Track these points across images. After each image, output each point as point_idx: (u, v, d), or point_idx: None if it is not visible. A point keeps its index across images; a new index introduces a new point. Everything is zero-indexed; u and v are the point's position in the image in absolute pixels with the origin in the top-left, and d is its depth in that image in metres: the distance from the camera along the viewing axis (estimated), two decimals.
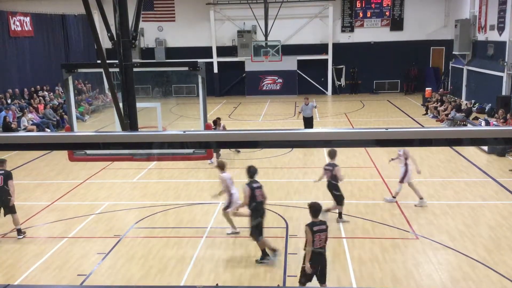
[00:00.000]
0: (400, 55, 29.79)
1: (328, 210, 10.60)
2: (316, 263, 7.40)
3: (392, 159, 12.15)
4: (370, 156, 15.92)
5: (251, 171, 9.36)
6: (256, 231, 8.95)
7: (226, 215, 10.20)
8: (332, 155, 10.79)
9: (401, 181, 11.61)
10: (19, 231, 10.45)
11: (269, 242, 9.15)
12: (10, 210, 10.35)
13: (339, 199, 10.69)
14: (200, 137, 2.19)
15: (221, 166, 10.28)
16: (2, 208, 10.40)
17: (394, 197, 11.83)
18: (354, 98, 29.44)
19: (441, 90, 26.13)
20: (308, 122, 18.30)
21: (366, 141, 2.06)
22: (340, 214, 10.81)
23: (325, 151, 16.42)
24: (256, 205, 8.98)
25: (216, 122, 15.79)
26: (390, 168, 14.71)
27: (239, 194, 9.84)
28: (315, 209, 7.50)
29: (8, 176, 10.44)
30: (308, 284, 7.60)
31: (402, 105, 26.51)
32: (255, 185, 9.13)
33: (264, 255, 9.04)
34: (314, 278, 7.52)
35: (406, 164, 11.52)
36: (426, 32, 29.83)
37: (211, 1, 30.02)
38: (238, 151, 16.63)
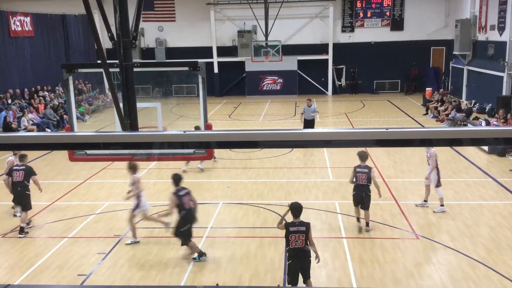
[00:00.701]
0: (400, 55, 29.78)
1: (358, 220, 10.28)
2: (295, 262, 7.48)
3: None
4: (371, 156, 15.89)
5: (176, 179, 9.21)
6: (185, 236, 8.91)
7: (131, 220, 9.93)
8: (364, 157, 10.20)
9: (438, 185, 11.14)
10: (22, 230, 10.46)
11: (196, 246, 9.13)
12: (26, 206, 10.55)
13: (369, 202, 10.14)
14: (201, 137, 2.19)
15: (133, 168, 10.01)
16: (20, 204, 10.69)
17: (442, 205, 11.20)
18: (355, 98, 29.44)
19: (441, 90, 26.11)
20: (309, 125, 17.63)
21: (367, 141, 2.06)
22: (368, 223, 10.28)
23: (323, 153, 16.41)
24: (186, 212, 8.91)
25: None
26: (390, 168, 14.71)
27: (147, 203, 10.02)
28: (295, 209, 7.54)
29: (30, 172, 10.71)
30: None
31: (403, 105, 26.51)
32: (181, 192, 9.02)
33: (201, 254, 9.10)
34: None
35: (437, 167, 11.12)
36: (426, 32, 29.82)
37: (211, 1, 30.02)
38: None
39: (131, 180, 10.04)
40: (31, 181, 10.73)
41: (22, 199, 10.54)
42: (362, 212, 10.23)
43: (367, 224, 10.22)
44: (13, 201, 10.89)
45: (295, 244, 7.39)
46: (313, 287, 7.68)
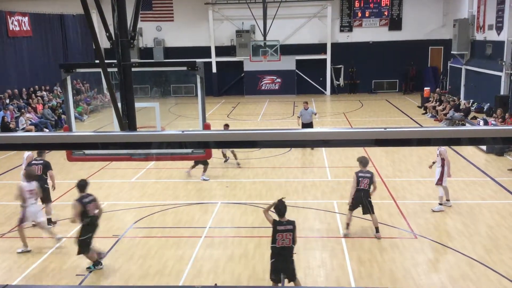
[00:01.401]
0: (398, 55, 29.81)
1: (347, 227, 10.10)
2: (280, 260, 7.51)
3: (433, 162, 11.61)
4: (369, 155, 15.90)
5: (81, 185, 8.92)
6: (84, 246, 8.66)
7: (20, 230, 9.62)
8: (365, 163, 10.07)
9: (439, 183, 11.15)
10: (50, 221, 10.86)
11: (94, 254, 8.83)
12: (46, 199, 10.87)
13: (372, 208, 9.98)
14: (199, 137, 2.19)
15: (28, 176, 9.78)
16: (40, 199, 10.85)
17: (440, 204, 11.23)
18: (353, 98, 29.46)
19: (437, 89, 26.08)
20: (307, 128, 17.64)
21: (365, 141, 2.06)
22: (377, 228, 10.04)
23: (322, 153, 16.42)
24: (90, 220, 8.69)
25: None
26: (388, 168, 14.73)
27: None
28: (282, 208, 7.58)
29: (47, 166, 10.94)
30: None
31: (401, 104, 26.54)
32: (86, 199, 8.76)
33: (96, 264, 8.88)
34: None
35: (443, 166, 11.10)
36: (424, 32, 29.86)
37: (209, 1, 30.02)
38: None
39: (17, 189, 9.65)
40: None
41: (41, 193, 10.74)
42: (351, 217, 10.12)
43: (377, 230, 9.95)
44: None
45: (282, 243, 7.42)
46: (311, 287, 7.68)
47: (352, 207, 10.05)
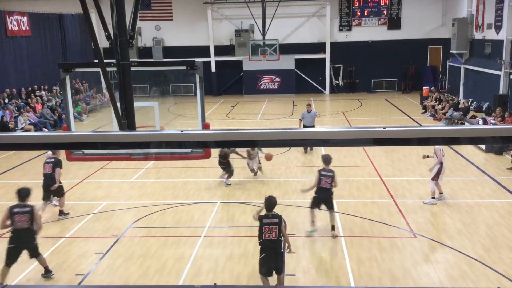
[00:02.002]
0: (397, 54, 29.81)
1: (313, 223, 10.12)
2: (269, 254, 7.65)
3: (427, 156, 11.82)
4: (368, 155, 15.94)
5: (18, 193, 8.38)
6: (6, 256, 8.15)
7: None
8: (328, 161, 10.12)
9: (434, 179, 11.39)
10: (61, 212, 11.32)
11: (6, 274, 8.25)
12: (58, 193, 11.24)
13: (333, 206, 10.10)
14: (198, 137, 2.19)
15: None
16: (54, 195, 11.36)
17: (433, 197, 11.48)
18: (352, 97, 29.47)
19: (432, 88, 26.02)
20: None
21: (364, 140, 2.06)
22: (333, 226, 10.02)
23: (321, 153, 16.44)
24: (14, 231, 8.18)
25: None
26: (388, 167, 14.74)
27: None
28: (270, 203, 7.83)
29: (57, 164, 11.15)
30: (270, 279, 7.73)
31: (400, 104, 26.55)
32: (16, 209, 8.17)
33: (47, 272, 8.61)
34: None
35: (441, 162, 11.33)
36: (423, 31, 29.86)
37: (208, 0, 30.00)
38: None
39: None
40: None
41: (59, 189, 11.21)
42: (317, 215, 10.18)
43: (333, 228, 9.95)
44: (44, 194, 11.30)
45: (268, 236, 7.62)
46: (311, 287, 7.70)
47: (315, 205, 10.08)
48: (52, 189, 11.09)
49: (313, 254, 9.35)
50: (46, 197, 11.28)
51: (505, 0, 21.15)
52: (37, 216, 8.38)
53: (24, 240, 8.26)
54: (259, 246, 7.77)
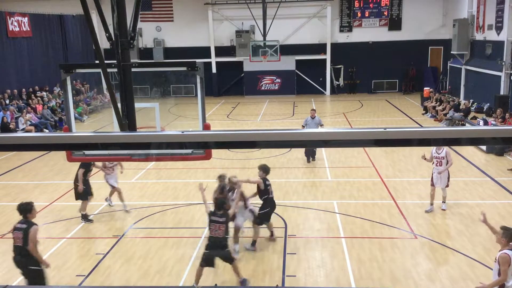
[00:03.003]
0: (398, 55, 29.82)
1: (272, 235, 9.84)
2: (212, 248, 7.97)
3: (425, 159, 11.37)
4: (369, 156, 15.93)
5: (19, 209, 7.84)
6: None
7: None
8: (268, 170, 9.69)
9: (448, 185, 11.12)
10: (84, 216, 11.12)
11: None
12: (80, 196, 11.11)
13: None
14: (199, 137, 2.19)
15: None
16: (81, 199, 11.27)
17: (444, 202, 11.24)
18: (353, 98, 29.46)
19: (431, 89, 25.94)
20: None
21: (365, 141, 2.05)
22: (272, 232, 9.90)
23: (322, 157, 16.41)
24: (13, 248, 7.75)
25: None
26: (388, 168, 14.73)
27: None
28: (218, 202, 8.20)
29: (81, 166, 11.19)
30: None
31: (401, 104, 26.54)
32: (17, 225, 7.79)
33: None
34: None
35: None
36: (424, 32, 29.87)
37: (209, 1, 30.02)
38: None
39: None
40: (89, 174, 11.31)
41: (82, 192, 11.15)
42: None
43: (272, 234, 9.85)
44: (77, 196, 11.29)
45: (214, 233, 7.93)
46: (311, 287, 7.69)
47: (269, 217, 9.78)
48: (79, 191, 11.02)
49: (314, 255, 9.35)
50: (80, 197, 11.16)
51: (506, 1, 21.14)
52: (33, 236, 7.57)
53: (23, 261, 7.69)
54: (207, 241, 8.15)
